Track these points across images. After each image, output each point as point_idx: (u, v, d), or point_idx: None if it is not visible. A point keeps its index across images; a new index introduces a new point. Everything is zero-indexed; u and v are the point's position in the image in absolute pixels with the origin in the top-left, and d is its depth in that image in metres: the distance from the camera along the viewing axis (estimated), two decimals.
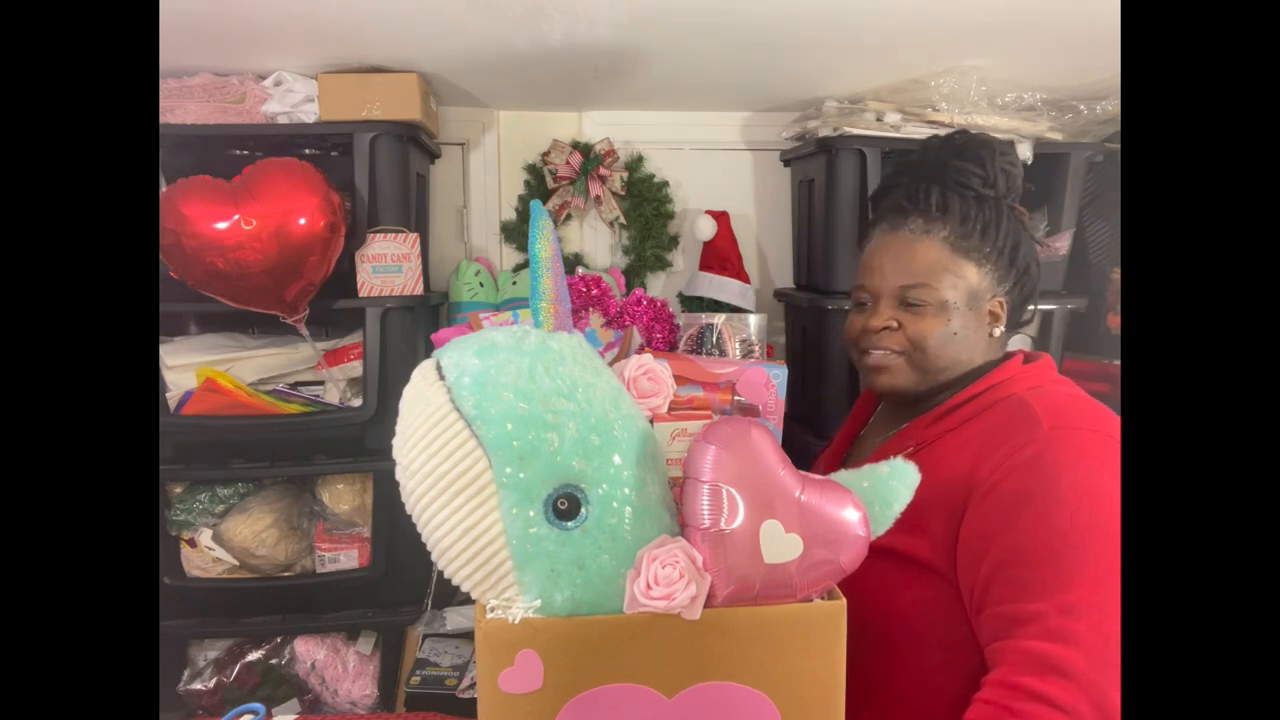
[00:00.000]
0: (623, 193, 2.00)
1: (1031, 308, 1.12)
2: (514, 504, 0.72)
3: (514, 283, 1.95)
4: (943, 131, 1.14)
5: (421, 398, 0.75)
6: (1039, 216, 1.78)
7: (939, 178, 1.06)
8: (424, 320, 1.76)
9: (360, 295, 1.62)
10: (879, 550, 0.94)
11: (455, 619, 1.79)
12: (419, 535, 0.75)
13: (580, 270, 1.92)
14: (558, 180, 1.97)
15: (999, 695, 0.82)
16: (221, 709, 1.61)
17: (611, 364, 0.86)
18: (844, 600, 0.77)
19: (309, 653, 1.75)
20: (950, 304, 1.01)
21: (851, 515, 0.75)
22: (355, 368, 1.68)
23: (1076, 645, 0.80)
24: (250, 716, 1.06)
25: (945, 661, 0.94)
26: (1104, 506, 0.84)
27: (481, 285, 1.93)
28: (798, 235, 1.98)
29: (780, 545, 0.73)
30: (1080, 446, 0.89)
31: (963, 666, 0.91)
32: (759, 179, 2.10)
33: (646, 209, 2.01)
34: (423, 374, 0.77)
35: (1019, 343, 1.05)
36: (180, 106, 1.56)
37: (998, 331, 1.05)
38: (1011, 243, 1.05)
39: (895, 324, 1.03)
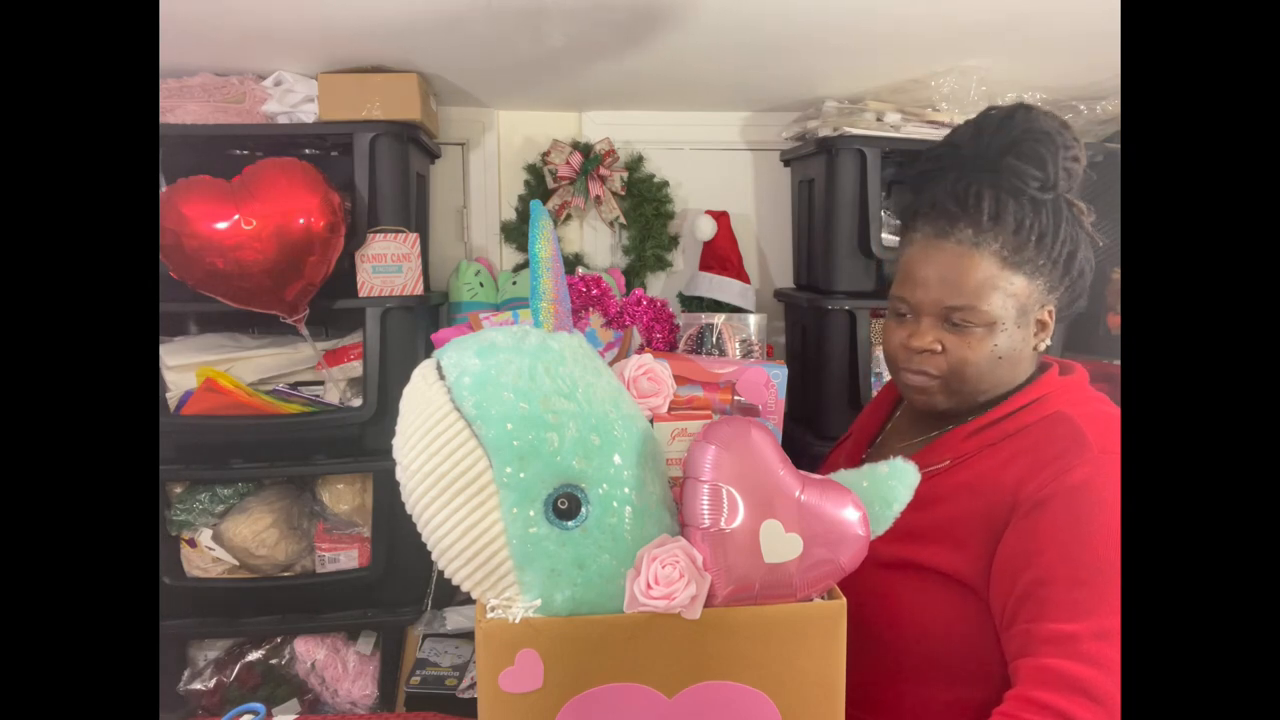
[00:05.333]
0: (623, 193, 2.00)
1: (1075, 309, 1.02)
2: (514, 504, 0.72)
3: (514, 283, 1.95)
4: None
5: (421, 398, 0.75)
6: None
7: (991, 176, 0.95)
8: (424, 320, 1.76)
9: (360, 295, 1.62)
10: (912, 565, 0.93)
11: (455, 619, 1.78)
12: (419, 535, 0.75)
13: (580, 270, 1.92)
14: (558, 180, 1.97)
15: (1019, 708, 0.81)
16: (221, 709, 1.61)
17: (611, 364, 0.86)
18: (844, 600, 0.77)
19: (309, 653, 1.75)
20: (999, 324, 0.93)
21: (851, 515, 0.75)
22: (355, 368, 1.68)
23: (1109, 672, 0.78)
24: (250, 716, 1.06)
25: (968, 680, 0.92)
26: None
27: (481, 285, 1.93)
28: (798, 235, 1.98)
29: (780, 545, 0.73)
30: None
31: (985, 685, 0.90)
32: (759, 179, 2.10)
33: (646, 209, 2.01)
34: (423, 374, 0.77)
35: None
36: (180, 106, 1.56)
37: (1043, 345, 0.98)
38: (1069, 250, 0.95)
39: (939, 347, 0.95)
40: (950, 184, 0.97)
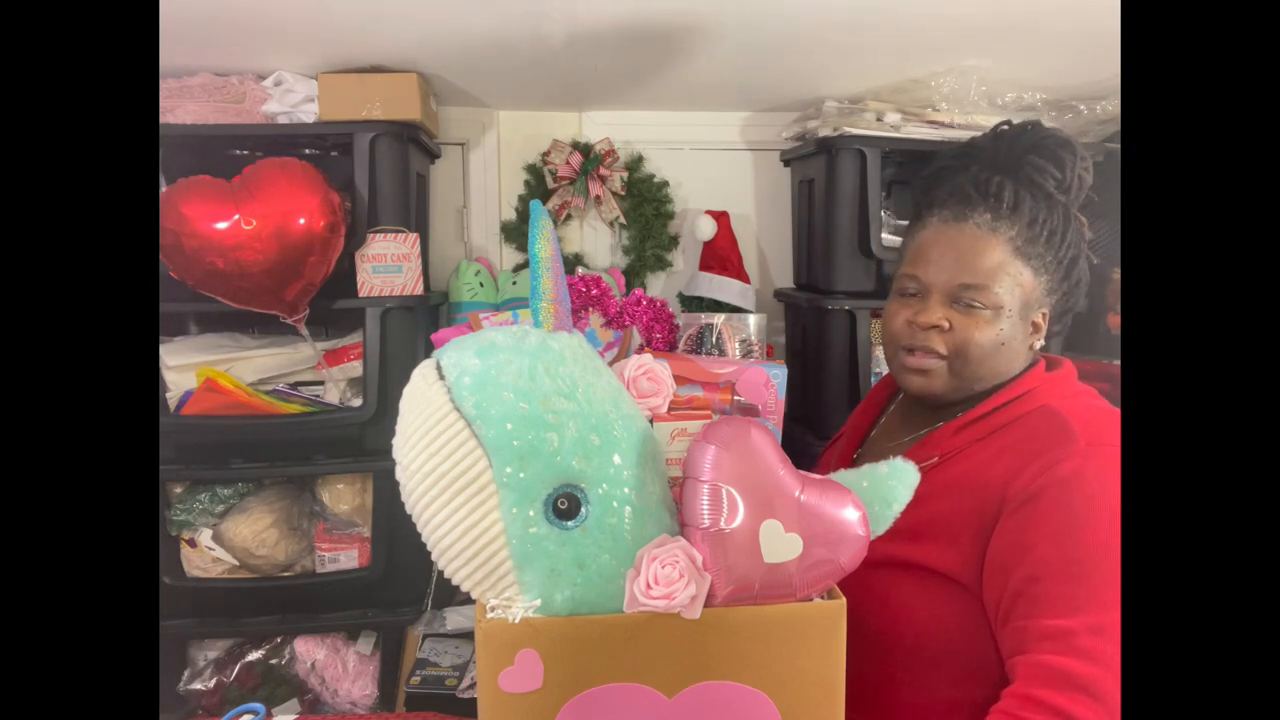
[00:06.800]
0: (623, 193, 2.00)
1: (1065, 320, 1.05)
2: (514, 504, 0.72)
3: (514, 283, 1.95)
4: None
5: (421, 398, 0.75)
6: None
7: (1012, 171, 0.99)
8: (424, 320, 1.76)
9: (360, 295, 1.62)
10: (905, 564, 0.93)
11: (455, 619, 1.79)
12: (419, 535, 0.75)
13: (580, 270, 1.92)
14: (558, 180, 1.97)
15: (1016, 706, 0.81)
16: (221, 709, 1.61)
17: (611, 364, 0.86)
18: (844, 600, 0.77)
19: (309, 653, 1.75)
20: (1005, 310, 0.96)
21: (851, 515, 0.75)
22: (355, 368, 1.68)
23: (1106, 667, 0.79)
24: (250, 716, 1.06)
25: (964, 678, 0.92)
26: None
27: (481, 285, 1.93)
28: (798, 235, 1.98)
29: (780, 545, 0.73)
30: (1116, 465, 0.86)
31: (982, 683, 0.90)
32: (759, 179, 2.10)
33: (646, 209, 2.01)
34: (423, 374, 0.77)
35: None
36: (180, 106, 1.56)
37: (1038, 344, 1.00)
38: (1072, 255, 0.99)
39: (946, 324, 0.96)
40: (972, 175, 1.01)
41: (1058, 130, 1.01)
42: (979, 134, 1.07)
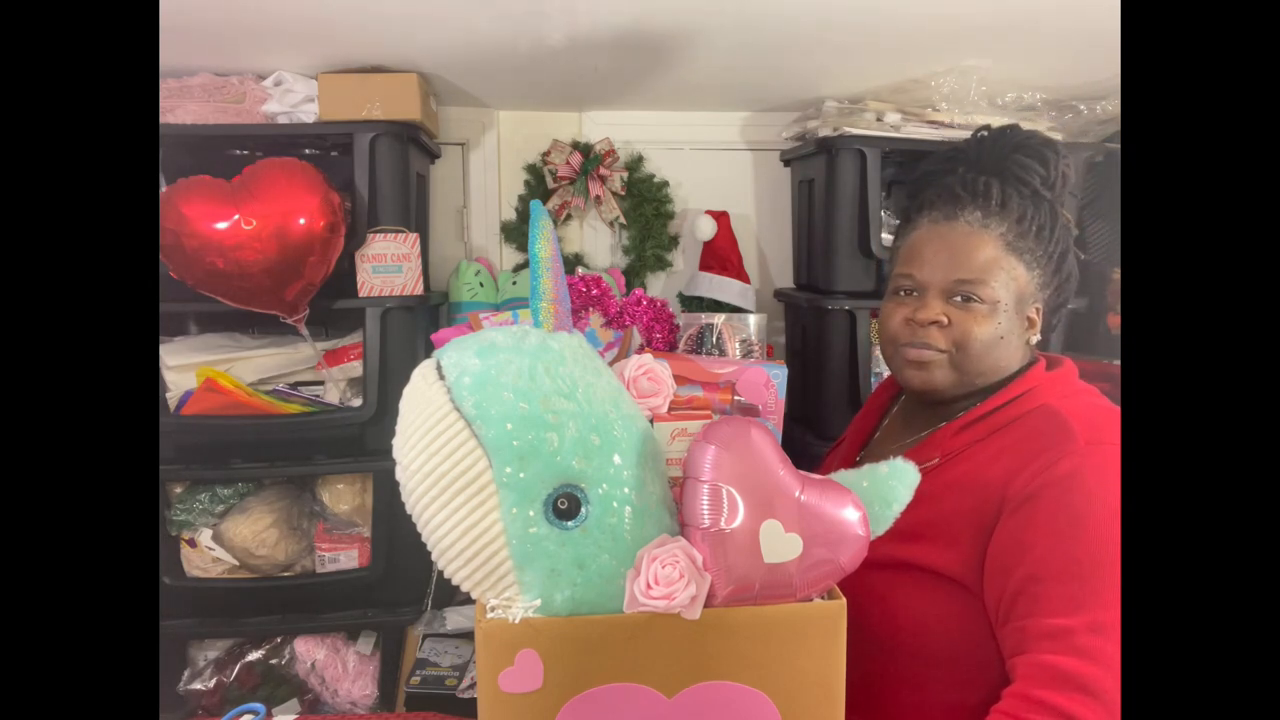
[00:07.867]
0: (623, 193, 2.00)
1: (1061, 316, 1.06)
2: (514, 504, 0.72)
3: (514, 283, 1.95)
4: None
5: (421, 398, 0.75)
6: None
7: (998, 171, 1.01)
8: (424, 320, 1.76)
9: (360, 295, 1.62)
10: (906, 564, 0.93)
11: (455, 619, 1.79)
12: (419, 535, 0.75)
13: (580, 270, 1.92)
14: (558, 180, 1.97)
15: (1016, 706, 0.81)
16: (221, 709, 1.61)
17: (611, 364, 0.86)
18: (844, 600, 0.77)
19: (309, 653, 1.75)
20: (1001, 305, 0.97)
21: (851, 515, 0.74)
22: (355, 368, 1.68)
23: (1106, 666, 0.78)
24: (250, 716, 1.06)
25: (964, 679, 0.92)
26: None
27: (481, 285, 1.93)
28: (798, 235, 1.98)
29: (780, 545, 0.73)
30: (1116, 464, 0.86)
31: (982, 684, 0.90)
32: (759, 179, 2.10)
33: (646, 209, 2.01)
34: (423, 374, 0.77)
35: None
36: (180, 106, 1.56)
37: (1034, 339, 1.01)
38: (1061, 249, 1.01)
39: (945, 320, 0.97)
40: (959, 176, 1.03)
41: (1038, 133, 1.04)
42: (962, 141, 1.09)
